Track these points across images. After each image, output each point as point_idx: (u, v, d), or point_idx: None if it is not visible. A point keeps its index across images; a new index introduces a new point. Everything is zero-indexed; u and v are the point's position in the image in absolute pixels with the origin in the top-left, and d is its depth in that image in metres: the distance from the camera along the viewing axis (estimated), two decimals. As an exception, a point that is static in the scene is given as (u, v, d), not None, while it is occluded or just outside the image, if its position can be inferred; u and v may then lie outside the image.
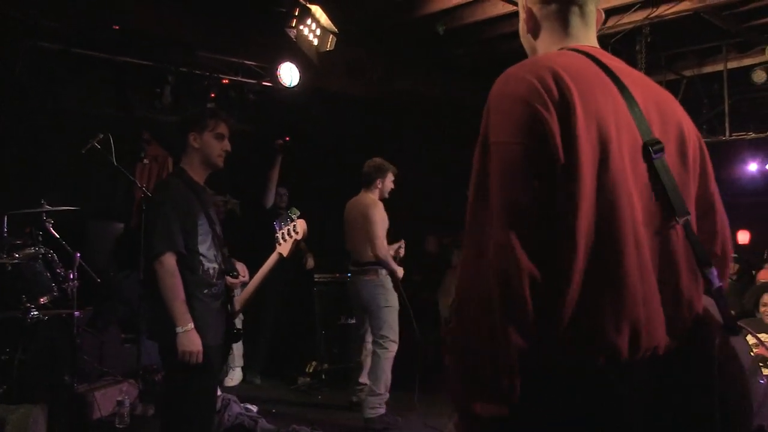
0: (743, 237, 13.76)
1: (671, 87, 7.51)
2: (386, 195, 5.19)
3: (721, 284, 1.33)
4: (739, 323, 1.35)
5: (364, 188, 5.29)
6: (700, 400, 1.25)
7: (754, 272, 6.67)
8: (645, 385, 1.26)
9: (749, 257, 9.53)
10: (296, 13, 5.32)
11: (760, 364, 4.33)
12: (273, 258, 3.01)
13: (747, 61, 7.19)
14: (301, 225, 2.98)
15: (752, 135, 8.06)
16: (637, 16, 6.03)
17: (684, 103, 7.47)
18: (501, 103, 1.28)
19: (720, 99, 7.44)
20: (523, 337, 1.16)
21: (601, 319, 1.21)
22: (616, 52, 6.47)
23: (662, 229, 1.32)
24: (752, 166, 10.83)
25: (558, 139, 1.21)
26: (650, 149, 1.32)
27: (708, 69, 7.59)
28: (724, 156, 10.95)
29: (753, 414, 1.20)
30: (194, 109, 3.85)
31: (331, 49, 5.75)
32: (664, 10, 5.88)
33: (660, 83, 8.11)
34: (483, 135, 1.29)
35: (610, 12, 6.09)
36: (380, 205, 5.18)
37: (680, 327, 1.31)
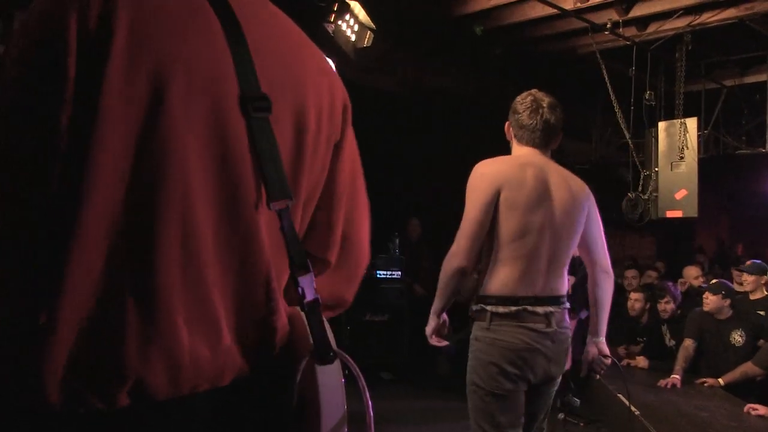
0: (778, 252, 13.50)
1: (710, 96, 7.39)
2: None
3: (316, 297, 0.98)
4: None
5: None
6: None
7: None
8: (191, 424, 0.95)
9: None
10: (335, 8, 5.36)
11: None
12: None
13: (791, 73, 7.04)
14: None
15: (792, 148, 7.91)
16: (679, 23, 5.94)
17: (723, 113, 7.31)
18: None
19: (761, 110, 7.31)
20: None
21: (120, 341, 0.84)
22: (654, 60, 6.38)
23: (246, 213, 0.96)
24: (791, 180, 10.60)
25: (72, 59, 0.84)
26: (249, 105, 0.95)
27: (750, 79, 7.46)
28: (763, 168, 10.74)
29: None
30: None
31: (368, 45, 5.79)
32: (707, 18, 5.78)
33: (699, 93, 7.94)
34: None
35: (651, 18, 6.01)
36: None
37: (255, 347, 0.99)
